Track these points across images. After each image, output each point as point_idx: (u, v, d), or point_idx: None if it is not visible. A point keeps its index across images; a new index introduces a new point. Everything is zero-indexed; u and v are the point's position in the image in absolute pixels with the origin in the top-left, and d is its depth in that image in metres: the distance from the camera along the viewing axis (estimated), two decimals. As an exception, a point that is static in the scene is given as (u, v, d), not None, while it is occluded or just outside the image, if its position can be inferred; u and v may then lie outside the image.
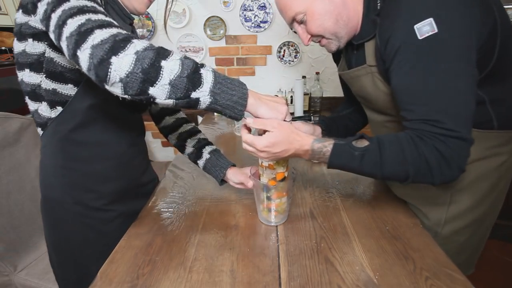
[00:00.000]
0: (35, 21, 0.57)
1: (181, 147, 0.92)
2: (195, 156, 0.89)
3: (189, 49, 1.81)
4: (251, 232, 0.72)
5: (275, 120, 0.61)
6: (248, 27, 1.74)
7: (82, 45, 0.46)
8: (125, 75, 0.46)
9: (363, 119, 0.98)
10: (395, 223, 0.73)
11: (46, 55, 0.61)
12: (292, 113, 1.73)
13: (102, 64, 0.45)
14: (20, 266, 1.14)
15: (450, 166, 0.57)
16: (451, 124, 0.55)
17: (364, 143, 0.62)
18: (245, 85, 0.56)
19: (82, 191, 0.73)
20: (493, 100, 0.65)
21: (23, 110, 1.42)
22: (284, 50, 1.79)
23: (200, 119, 1.97)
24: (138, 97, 0.49)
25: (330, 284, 0.56)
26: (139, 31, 1.78)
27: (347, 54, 0.80)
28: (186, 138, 0.91)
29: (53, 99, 0.64)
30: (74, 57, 0.48)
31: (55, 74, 0.62)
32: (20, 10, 0.58)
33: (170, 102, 0.50)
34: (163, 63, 0.47)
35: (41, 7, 0.53)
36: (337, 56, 0.89)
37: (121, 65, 0.45)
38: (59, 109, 0.65)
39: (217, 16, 1.72)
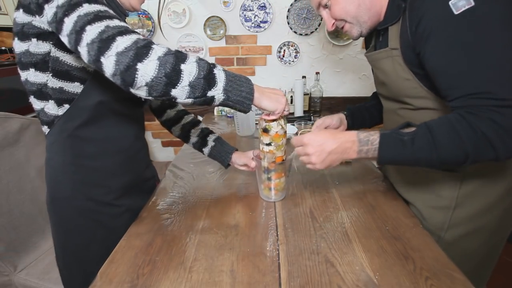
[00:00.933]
0: (40, 21, 0.58)
1: (185, 138, 0.98)
2: (200, 145, 0.97)
3: (189, 49, 1.81)
4: (251, 232, 0.72)
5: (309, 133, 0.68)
6: (248, 27, 1.74)
7: (106, 52, 0.49)
8: (150, 80, 0.50)
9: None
10: (395, 223, 0.73)
11: (51, 54, 0.62)
12: (292, 113, 1.73)
13: (128, 70, 0.49)
14: (20, 266, 1.14)
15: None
16: (503, 93, 0.53)
17: (411, 129, 0.61)
18: (251, 80, 0.61)
19: (92, 186, 0.74)
20: None
21: (23, 110, 1.42)
22: (284, 50, 1.79)
23: (200, 119, 1.97)
24: (160, 98, 0.54)
25: (330, 284, 0.56)
26: (139, 31, 1.78)
27: (376, 40, 0.81)
28: (189, 128, 0.97)
29: (60, 97, 0.66)
30: (97, 62, 0.51)
31: (61, 73, 0.63)
32: (21, 10, 0.58)
33: (189, 101, 0.55)
34: (182, 66, 0.52)
35: (49, 10, 0.54)
36: (368, 41, 0.89)
37: (147, 70, 0.50)
38: (66, 106, 0.67)
39: (217, 16, 1.72)
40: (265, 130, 0.75)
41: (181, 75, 0.52)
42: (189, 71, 0.53)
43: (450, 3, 0.55)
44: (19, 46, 0.62)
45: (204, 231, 0.72)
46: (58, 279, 1.09)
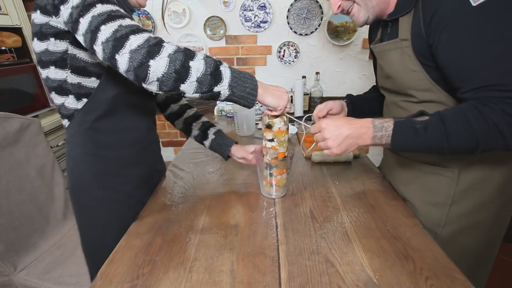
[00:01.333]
0: (56, 21, 0.62)
1: (187, 131, 1.01)
2: (201, 138, 1.00)
3: (189, 49, 1.81)
4: (251, 232, 0.72)
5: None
6: (248, 27, 1.74)
7: (121, 50, 0.53)
8: (162, 75, 0.54)
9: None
10: (395, 223, 0.73)
11: (69, 52, 0.66)
12: (292, 113, 1.73)
13: (141, 67, 0.53)
14: (20, 266, 1.14)
15: None
16: None
17: (424, 118, 0.63)
18: (255, 77, 0.65)
19: (110, 176, 0.79)
20: None
21: (23, 110, 1.42)
22: (284, 50, 1.79)
23: (200, 119, 1.97)
24: (170, 93, 0.58)
25: (330, 284, 0.56)
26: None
27: (383, 30, 0.81)
28: (191, 122, 1.00)
29: (79, 92, 0.70)
30: (112, 59, 0.55)
31: (79, 69, 0.68)
32: (38, 11, 0.62)
33: (197, 95, 0.59)
34: (191, 63, 0.56)
35: (65, 10, 0.58)
36: (374, 33, 0.89)
37: (158, 67, 0.53)
38: (84, 100, 0.71)
39: (217, 16, 1.72)
40: (268, 126, 0.76)
41: (190, 72, 0.56)
42: (197, 67, 0.56)
43: None
44: (38, 46, 0.66)
45: (204, 231, 0.72)
46: (58, 279, 1.10)
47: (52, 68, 0.68)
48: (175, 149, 2.10)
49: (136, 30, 0.55)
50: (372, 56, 0.94)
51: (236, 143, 0.98)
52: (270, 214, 0.79)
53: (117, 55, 0.54)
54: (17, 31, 1.52)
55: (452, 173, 0.73)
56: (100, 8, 0.55)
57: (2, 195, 1.14)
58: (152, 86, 0.56)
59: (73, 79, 0.68)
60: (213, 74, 0.58)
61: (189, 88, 0.57)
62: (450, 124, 0.59)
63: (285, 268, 0.60)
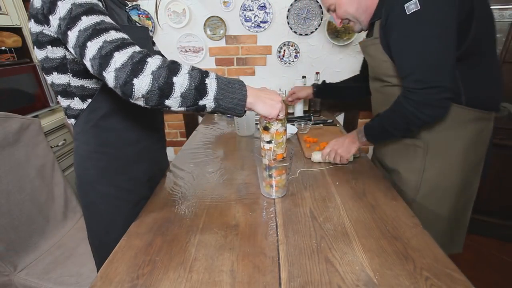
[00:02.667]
0: (49, 30, 0.63)
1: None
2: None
3: (189, 49, 1.81)
4: (251, 232, 0.72)
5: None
6: (248, 27, 1.74)
7: (107, 68, 0.55)
8: (146, 92, 0.56)
9: (356, 95, 1.33)
10: (395, 223, 0.73)
11: (67, 57, 0.68)
12: (292, 113, 1.73)
13: (126, 85, 0.55)
14: (20, 266, 1.14)
15: (424, 110, 0.77)
16: (424, 75, 0.75)
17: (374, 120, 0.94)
18: (245, 86, 0.64)
19: (114, 173, 0.80)
20: (464, 79, 0.80)
21: (23, 110, 1.42)
22: (284, 50, 1.79)
23: (200, 119, 1.97)
24: (156, 107, 0.59)
25: (330, 284, 0.56)
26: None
27: (369, 31, 0.99)
28: None
29: (83, 94, 0.72)
30: (100, 76, 0.57)
31: (79, 72, 0.69)
32: (32, 20, 0.63)
33: (182, 109, 0.60)
34: (174, 79, 0.57)
35: (54, 21, 0.59)
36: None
37: (142, 85, 0.55)
38: (89, 101, 0.73)
39: (217, 16, 1.71)
40: (266, 128, 0.76)
41: (173, 87, 0.57)
42: (180, 83, 0.57)
43: (405, 5, 0.73)
44: (39, 54, 0.68)
45: (204, 231, 0.73)
46: (58, 279, 1.10)
47: (55, 73, 0.69)
48: (175, 149, 2.10)
49: (121, 45, 0.55)
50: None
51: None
52: (270, 214, 0.79)
53: (104, 72, 0.55)
54: (17, 31, 1.52)
55: (423, 143, 0.90)
56: (85, 22, 0.56)
57: (2, 195, 1.14)
58: (139, 102, 0.58)
59: (75, 82, 0.70)
60: (198, 88, 0.59)
61: (173, 103, 0.59)
62: (385, 118, 0.88)
63: (285, 268, 0.60)
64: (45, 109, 1.59)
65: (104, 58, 0.54)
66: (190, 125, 2.00)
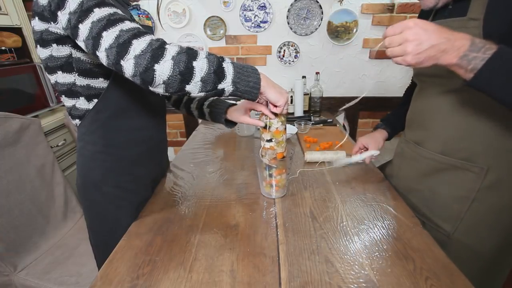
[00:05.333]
0: (55, 27, 0.62)
1: (190, 114, 0.99)
2: (201, 115, 0.94)
3: (189, 49, 1.81)
4: (251, 232, 0.72)
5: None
6: (248, 27, 1.74)
7: (125, 56, 0.54)
8: (167, 78, 0.55)
9: None
10: (395, 223, 0.73)
11: (73, 56, 0.66)
12: (292, 113, 1.73)
13: (147, 71, 0.54)
14: (20, 266, 1.14)
15: None
16: None
17: None
18: (257, 70, 0.65)
19: (119, 174, 0.80)
20: None
21: (23, 110, 1.42)
22: (284, 50, 1.79)
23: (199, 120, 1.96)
24: (176, 94, 0.59)
25: (330, 284, 0.56)
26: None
27: (438, 12, 0.74)
28: (189, 104, 0.97)
29: (89, 93, 0.71)
30: (117, 65, 0.56)
31: (85, 71, 0.68)
32: (36, 18, 0.62)
33: (202, 94, 0.60)
34: (194, 63, 0.57)
35: (63, 16, 0.58)
36: (426, 16, 0.82)
37: (163, 70, 0.54)
38: (95, 101, 0.72)
39: (217, 16, 1.72)
40: (266, 127, 0.75)
41: (194, 72, 0.57)
42: (200, 67, 0.57)
43: None
44: (42, 53, 0.66)
45: (204, 231, 0.72)
46: (58, 279, 1.10)
47: (60, 73, 0.68)
48: (175, 149, 2.10)
49: (138, 34, 0.55)
50: None
51: (232, 105, 0.88)
52: (270, 214, 0.79)
53: (122, 61, 0.54)
54: (17, 31, 1.52)
55: (481, 169, 0.71)
56: (98, 13, 0.55)
57: (2, 195, 1.14)
58: (158, 89, 0.57)
59: (81, 81, 0.69)
60: (217, 72, 0.59)
61: (194, 88, 0.58)
62: None
63: (285, 268, 0.60)
64: (45, 109, 1.59)
65: (122, 46, 0.54)
66: (190, 125, 2.00)
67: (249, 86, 0.62)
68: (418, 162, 0.85)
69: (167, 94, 0.58)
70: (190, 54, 0.57)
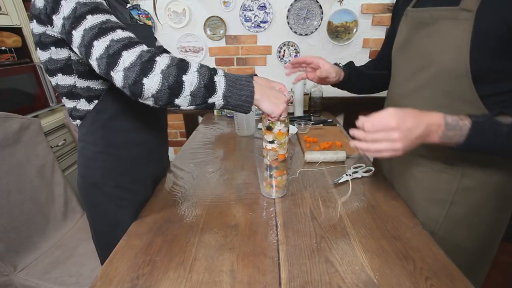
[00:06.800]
0: (52, 31, 0.62)
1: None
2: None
3: (189, 49, 1.81)
4: (251, 232, 0.72)
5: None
6: (248, 27, 1.74)
7: (115, 68, 0.54)
8: (156, 92, 0.55)
9: (379, 86, 0.98)
10: (395, 223, 0.73)
11: (72, 58, 0.67)
12: (292, 113, 1.73)
13: (136, 84, 0.54)
14: (20, 266, 1.14)
15: None
16: None
17: (508, 119, 0.55)
18: (252, 82, 0.63)
19: (120, 174, 0.80)
20: None
21: (23, 110, 1.42)
22: (284, 50, 1.79)
23: (200, 119, 1.97)
24: (165, 106, 0.59)
25: (330, 284, 0.56)
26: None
27: None
28: None
29: (90, 95, 0.71)
30: (107, 75, 0.56)
31: (85, 73, 0.68)
32: (34, 21, 0.62)
33: (192, 108, 0.60)
34: (184, 77, 0.56)
35: (57, 21, 0.58)
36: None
37: (152, 84, 0.54)
38: (96, 102, 0.72)
39: (217, 16, 1.72)
40: (269, 128, 0.76)
41: (183, 86, 0.56)
42: (190, 81, 0.57)
43: None
44: (42, 55, 0.66)
45: (204, 231, 0.72)
46: (58, 279, 1.10)
47: (60, 75, 0.68)
48: (175, 149, 2.10)
49: (128, 44, 0.55)
50: (392, 23, 0.85)
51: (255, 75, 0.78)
52: (270, 214, 0.79)
53: (111, 72, 0.54)
54: (17, 31, 1.52)
55: (456, 171, 0.71)
56: (90, 21, 0.55)
57: (2, 195, 1.14)
58: (148, 101, 0.58)
59: (81, 83, 0.69)
60: (207, 86, 0.58)
61: (183, 101, 0.58)
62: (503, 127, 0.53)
63: (285, 268, 0.60)
64: (45, 109, 1.59)
65: (112, 57, 0.53)
66: (190, 125, 2.00)
67: (241, 100, 0.61)
68: (397, 165, 0.87)
69: (156, 106, 0.58)
70: (180, 67, 0.56)
